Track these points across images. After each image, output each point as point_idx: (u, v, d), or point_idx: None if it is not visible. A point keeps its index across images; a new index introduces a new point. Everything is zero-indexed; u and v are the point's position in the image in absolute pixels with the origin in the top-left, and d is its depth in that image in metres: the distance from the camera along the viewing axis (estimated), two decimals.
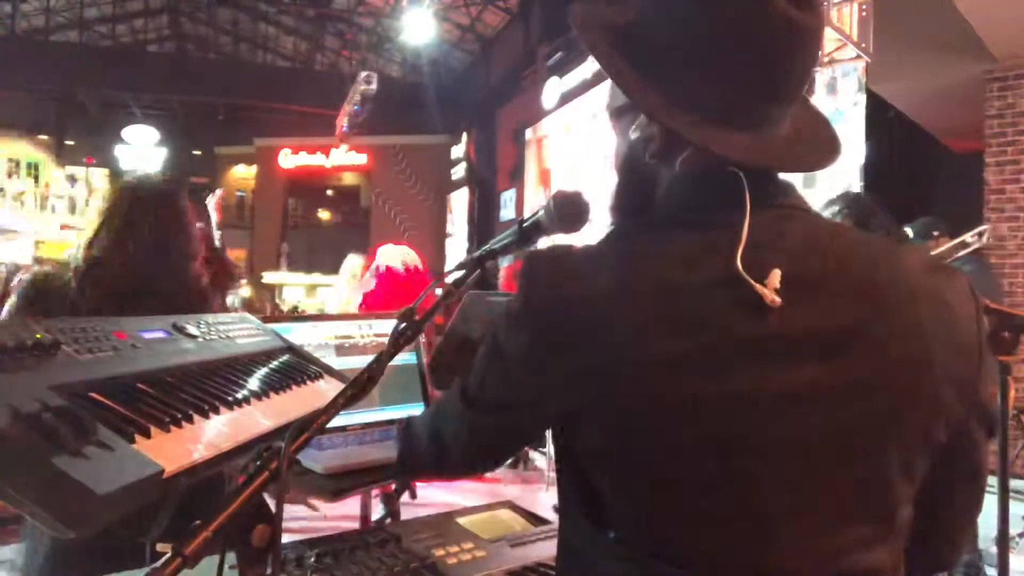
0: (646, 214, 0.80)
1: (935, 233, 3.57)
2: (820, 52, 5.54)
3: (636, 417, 0.67)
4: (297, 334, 1.41)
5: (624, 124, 0.83)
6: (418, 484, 1.45)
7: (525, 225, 0.92)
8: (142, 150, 19.35)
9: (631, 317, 0.67)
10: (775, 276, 0.66)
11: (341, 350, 1.50)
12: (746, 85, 0.73)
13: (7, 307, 1.60)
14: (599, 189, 1.06)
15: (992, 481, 1.61)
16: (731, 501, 0.66)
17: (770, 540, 0.67)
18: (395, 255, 4.59)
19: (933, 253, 2.78)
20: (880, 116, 6.48)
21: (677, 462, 0.67)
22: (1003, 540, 1.58)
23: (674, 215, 0.76)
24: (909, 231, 3.63)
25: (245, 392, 0.97)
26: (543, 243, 0.83)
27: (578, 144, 9.53)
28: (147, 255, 1.64)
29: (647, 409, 0.66)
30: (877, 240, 0.80)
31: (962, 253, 3.09)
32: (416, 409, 1.53)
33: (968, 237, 3.21)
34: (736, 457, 0.66)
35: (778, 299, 0.65)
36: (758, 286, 0.66)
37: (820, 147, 0.80)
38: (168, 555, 0.56)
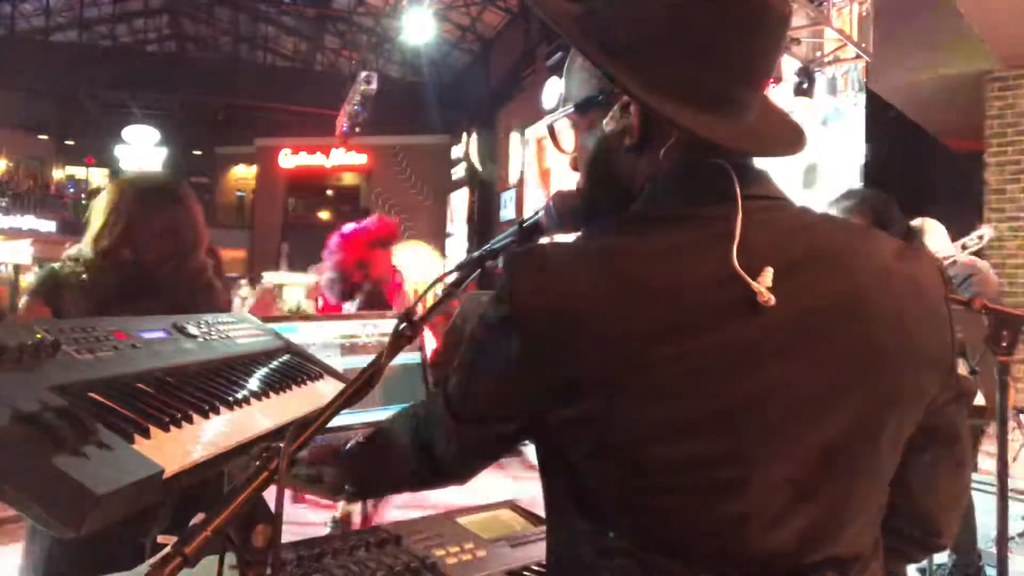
0: (623, 210, 0.76)
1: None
2: (821, 50, 5.55)
3: (636, 421, 0.66)
4: (300, 334, 1.41)
5: (592, 117, 0.78)
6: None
7: (525, 225, 0.91)
8: (142, 150, 19.37)
9: (627, 320, 0.66)
10: (767, 273, 0.66)
11: (344, 350, 1.50)
12: (723, 68, 0.72)
13: (21, 305, 1.62)
14: None
15: (992, 481, 1.62)
16: (734, 497, 0.66)
17: (773, 533, 0.67)
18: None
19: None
20: (880, 116, 6.48)
21: (679, 462, 0.67)
22: (1003, 540, 1.57)
23: (660, 210, 0.74)
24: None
25: (245, 392, 0.97)
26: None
27: None
28: (156, 245, 1.65)
29: (647, 413, 0.66)
30: (849, 224, 0.80)
31: (963, 255, 3.07)
32: None
33: (967, 240, 3.19)
34: (739, 452, 0.66)
35: (772, 298, 0.65)
36: (754, 284, 0.65)
37: (786, 133, 0.80)
38: (167, 552, 0.55)
